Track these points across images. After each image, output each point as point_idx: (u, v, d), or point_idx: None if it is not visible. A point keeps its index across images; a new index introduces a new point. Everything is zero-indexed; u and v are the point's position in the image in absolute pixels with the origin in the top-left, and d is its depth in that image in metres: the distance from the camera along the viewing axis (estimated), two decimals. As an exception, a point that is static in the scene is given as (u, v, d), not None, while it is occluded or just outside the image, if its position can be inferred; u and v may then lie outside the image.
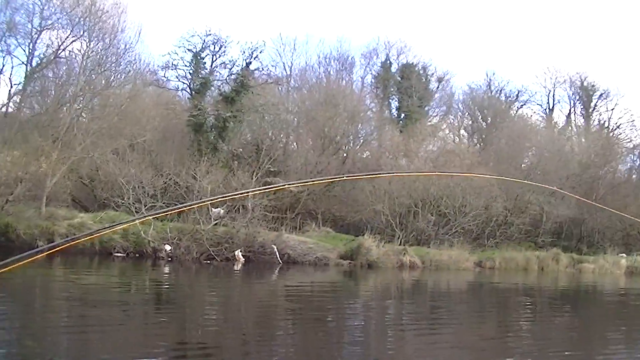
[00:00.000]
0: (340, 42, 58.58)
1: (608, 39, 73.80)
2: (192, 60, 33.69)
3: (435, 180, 30.22)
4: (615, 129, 46.70)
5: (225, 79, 33.24)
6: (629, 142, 45.08)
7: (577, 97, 49.29)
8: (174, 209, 18.59)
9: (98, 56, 26.55)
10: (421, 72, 46.09)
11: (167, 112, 31.43)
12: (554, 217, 34.95)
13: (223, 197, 18.27)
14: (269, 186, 20.59)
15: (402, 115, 44.30)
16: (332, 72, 42.48)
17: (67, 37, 26.44)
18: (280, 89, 38.16)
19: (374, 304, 16.71)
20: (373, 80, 46.38)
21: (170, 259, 22.40)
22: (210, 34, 33.63)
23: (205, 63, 34.52)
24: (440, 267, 26.81)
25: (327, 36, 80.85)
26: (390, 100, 46.26)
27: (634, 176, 43.62)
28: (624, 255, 34.27)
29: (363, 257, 25.02)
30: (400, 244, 27.85)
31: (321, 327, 11.83)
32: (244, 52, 32.56)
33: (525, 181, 30.00)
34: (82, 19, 26.21)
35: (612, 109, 47.50)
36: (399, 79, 45.18)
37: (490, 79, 48.72)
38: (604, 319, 16.32)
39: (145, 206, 23.55)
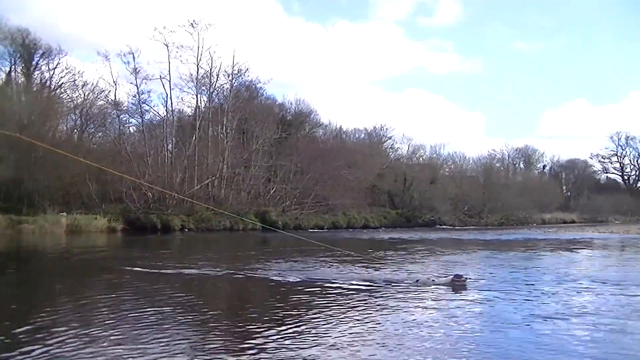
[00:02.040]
0: None
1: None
2: None
3: None
4: (57, 88, 47.18)
5: None
6: (70, 101, 46.66)
7: (18, 55, 47.43)
8: None
9: None
10: None
11: None
12: (-8, 179, 33.66)
13: None
14: None
15: None
16: None
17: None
18: None
19: None
20: None
21: None
22: None
23: None
24: None
25: None
26: None
27: (75, 135, 45.32)
28: (65, 214, 35.61)
29: None
30: None
31: None
32: None
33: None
34: None
35: (54, 68, 47.37)
36: None
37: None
38: (48, 274, 17.13)
39: None
